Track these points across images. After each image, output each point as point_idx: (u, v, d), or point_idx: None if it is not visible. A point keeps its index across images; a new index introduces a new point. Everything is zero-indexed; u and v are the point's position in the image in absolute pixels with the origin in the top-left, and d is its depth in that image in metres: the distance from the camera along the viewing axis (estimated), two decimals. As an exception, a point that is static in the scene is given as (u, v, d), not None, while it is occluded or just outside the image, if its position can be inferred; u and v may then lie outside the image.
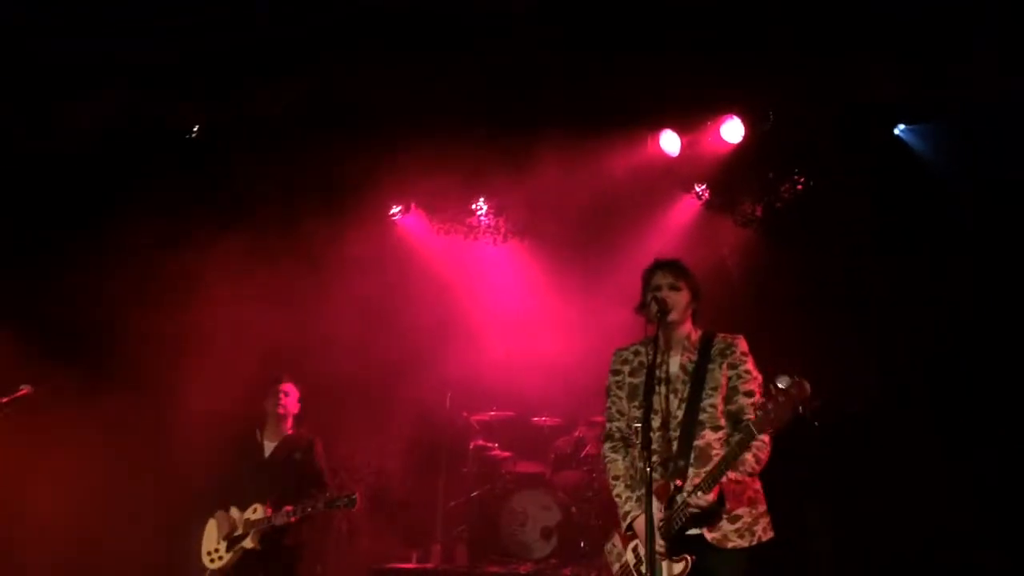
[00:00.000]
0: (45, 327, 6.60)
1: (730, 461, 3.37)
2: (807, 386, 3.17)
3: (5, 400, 4.70)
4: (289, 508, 5.29)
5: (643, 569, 3.52)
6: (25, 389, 4.79)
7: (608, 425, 3.89)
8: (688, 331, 3.77)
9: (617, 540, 3.78)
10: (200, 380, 6.70)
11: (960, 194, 6.36)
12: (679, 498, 3.45)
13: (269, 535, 5.37)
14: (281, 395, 5.76)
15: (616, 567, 3.77)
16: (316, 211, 7.23)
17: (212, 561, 5.44)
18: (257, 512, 5.41)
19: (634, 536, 3.64)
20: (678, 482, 3.49)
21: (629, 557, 3.68)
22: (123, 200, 6.76)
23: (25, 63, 5.84)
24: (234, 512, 5.49)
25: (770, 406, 3.21)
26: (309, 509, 5.29)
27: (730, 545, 3.48)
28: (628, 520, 3.64)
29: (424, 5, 5.81)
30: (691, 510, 3.39)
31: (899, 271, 6.46)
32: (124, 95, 6.22)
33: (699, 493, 3.36)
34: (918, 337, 6.30)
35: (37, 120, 6.28)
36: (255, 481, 5.53)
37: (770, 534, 3.60)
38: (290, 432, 5.79)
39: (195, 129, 6.72)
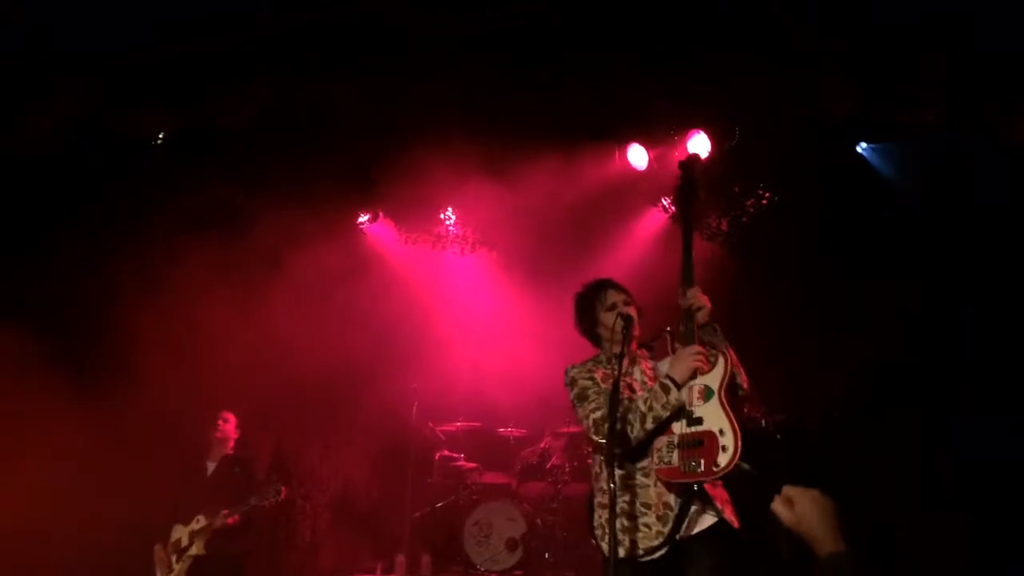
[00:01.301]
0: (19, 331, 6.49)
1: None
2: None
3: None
4: (225, 511, 5.80)
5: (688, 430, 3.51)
6: None
7: (600, 413, 3.64)
8: (635, 345, 3.88)
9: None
10: (169, 385, 6.63)
11: (921, 210, 6.50)
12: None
13: (214, 541, 5.85)
14: (220, 422, 6.31)
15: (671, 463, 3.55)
16: (284, 219, 7.18)
17: (168, 574, 5.92)
18: (200, 522, 5.89)
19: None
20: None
21: (677, 428, 3.56)
22: (94, 203, 6.70)
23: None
24: (179, 529, 5.96)
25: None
26: (244, 507, 5.80)
27: (737, 526, 3.56)
28: (666, 379, 3.55)
29: (394, 16, 5.81)
30: (696, 310, 3.60)
31: (863, 285, 6.58)
32: (90, 100, 6.15)
33: (688, 291, 3.63)
34: (883, 350, 6.41)
35: (10, 119, 6.19)
36: (197, 499, 6.01)
37: None
38: (231, 452, 6.30)
39: (160, 136, 6.64)
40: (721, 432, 3.41)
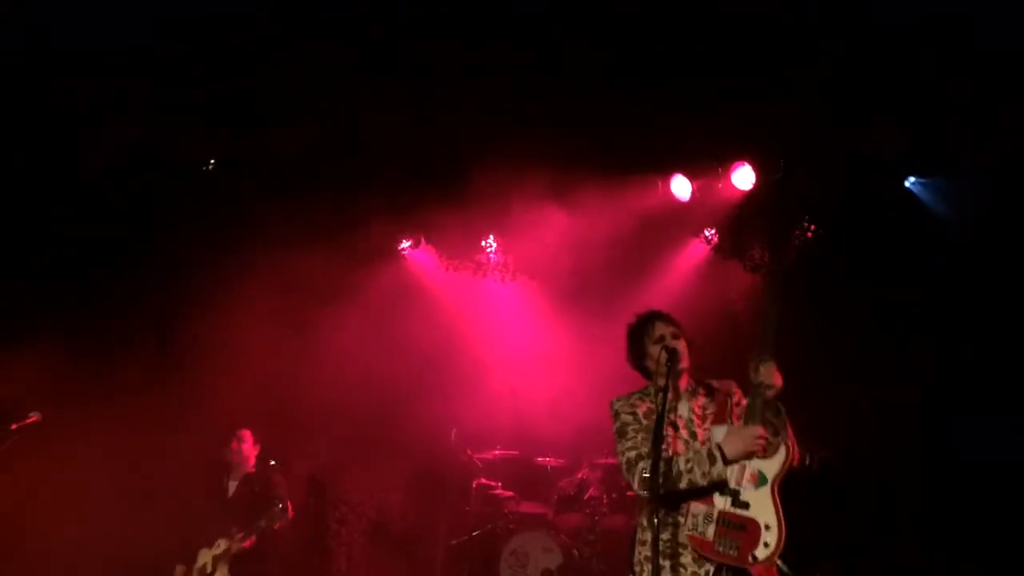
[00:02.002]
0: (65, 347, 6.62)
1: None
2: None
3: (14, 427, 4.72)
4: (240, 534, 5.69)
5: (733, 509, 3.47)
6: (34, 416, 4.81)
7: (635, 452, 3.62)
8: (688, 379, 3.82)
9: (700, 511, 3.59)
10: (209, 404, 6.71)
11: (968, 245, 6.38)
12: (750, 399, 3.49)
13: (236, 566, 5.73)
14: (235, 442, 6.21)
15: (708, 533, 3.51)
16: (327, 243, 7.28)
17: None
18: (220, 546, 5.77)
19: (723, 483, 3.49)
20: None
21: (719, 503, 3.51)
22: (142, 228, 6.86)
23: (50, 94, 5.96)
24: (204, 554, 5.84)
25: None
26: (255, 530, 5.66)
27: None
28: (716, 450, 3.47)
29: (433, 47, 5.89)
30: (766, 389, 3.43)
31: (908, 320, 6.46)
32: (146, 129, 6.34)
33: (762, 367, 3.44)
34: (926, 386, 6.27)
35: (65, 148, 6.38)
36: (220, 520, 5.90)
37: None
38: (251, 471, 6.20)
39: (211, 163, 6.78)
40: (767, 527, 3.34)
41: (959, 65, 5.34)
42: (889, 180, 6.58)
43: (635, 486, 3.57)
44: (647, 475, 3.48)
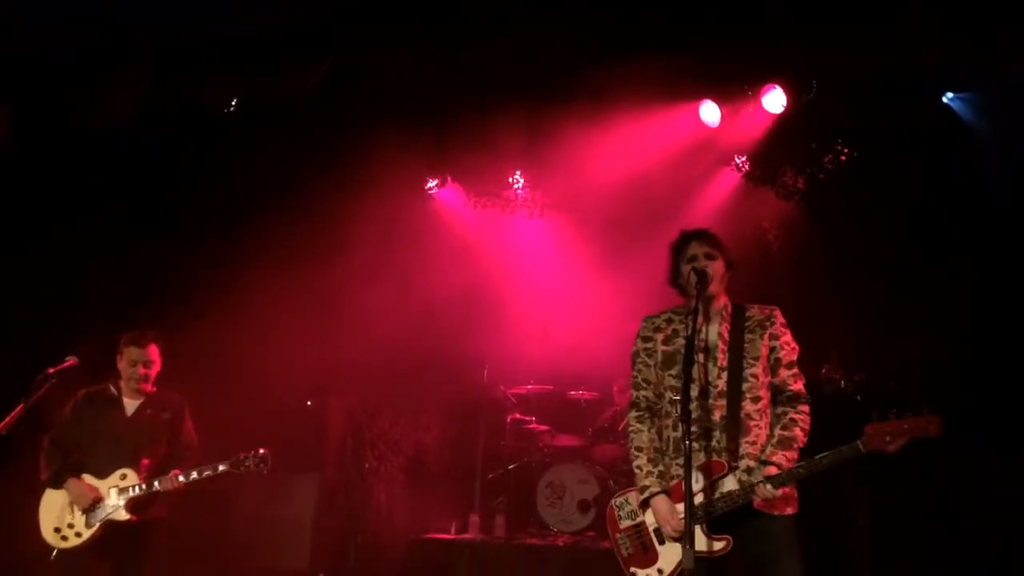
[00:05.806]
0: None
1: (814, 472, 3.34)
2: (938, 423, 3.10)
3: (52, 370, 4.76)
4: (177, 472, 4.73)
5: (663, 534, 3.60)
6: (71, 360, 4.83)
7: (634, 394, 3.84)
8: (724, 301, 3.75)
9: (633, 498, 3.77)
10: (243, 353, 6.76)
11: (1009, 164, 6.17)
12: (734, 479, 3.46)
13: (141, 504, 4.77)
14: (138, 347, 4.99)
15: (625, 523, 3.78)
16: (354, 185, 7.24)
17: (64, 539, 4.73)
18: (128, 478, 4.77)
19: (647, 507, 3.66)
20: (734, 463, 3.50)
21: (648, 519, 3.69)
22: (167, 178, 6.85)
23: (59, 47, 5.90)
24: (91, 480, 4.80)
25: (888, 429, 3.18)
26: (208, 472, 4.71)
27: (776, 512, 3.46)
28: (646, 494, 3.62)
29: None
30: (754, 496, 3.39)
31: (944, 244, 6.32)
32: (159, 76, 6.28)
33: (769, 487, 3.35)
34: (962, 313, 6.15)
35: (80, 99, 6.33)
36: (116, 443, 4.86)
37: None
38: (154, 389, 5.06)
39: (233, 103, 6.70)
40: None
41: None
42: (925, 97, 6.36)
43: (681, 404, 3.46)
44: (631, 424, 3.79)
